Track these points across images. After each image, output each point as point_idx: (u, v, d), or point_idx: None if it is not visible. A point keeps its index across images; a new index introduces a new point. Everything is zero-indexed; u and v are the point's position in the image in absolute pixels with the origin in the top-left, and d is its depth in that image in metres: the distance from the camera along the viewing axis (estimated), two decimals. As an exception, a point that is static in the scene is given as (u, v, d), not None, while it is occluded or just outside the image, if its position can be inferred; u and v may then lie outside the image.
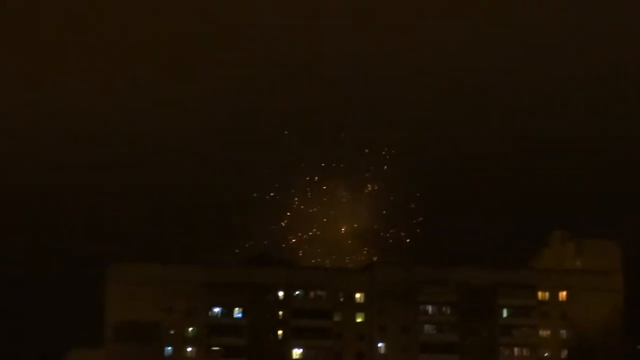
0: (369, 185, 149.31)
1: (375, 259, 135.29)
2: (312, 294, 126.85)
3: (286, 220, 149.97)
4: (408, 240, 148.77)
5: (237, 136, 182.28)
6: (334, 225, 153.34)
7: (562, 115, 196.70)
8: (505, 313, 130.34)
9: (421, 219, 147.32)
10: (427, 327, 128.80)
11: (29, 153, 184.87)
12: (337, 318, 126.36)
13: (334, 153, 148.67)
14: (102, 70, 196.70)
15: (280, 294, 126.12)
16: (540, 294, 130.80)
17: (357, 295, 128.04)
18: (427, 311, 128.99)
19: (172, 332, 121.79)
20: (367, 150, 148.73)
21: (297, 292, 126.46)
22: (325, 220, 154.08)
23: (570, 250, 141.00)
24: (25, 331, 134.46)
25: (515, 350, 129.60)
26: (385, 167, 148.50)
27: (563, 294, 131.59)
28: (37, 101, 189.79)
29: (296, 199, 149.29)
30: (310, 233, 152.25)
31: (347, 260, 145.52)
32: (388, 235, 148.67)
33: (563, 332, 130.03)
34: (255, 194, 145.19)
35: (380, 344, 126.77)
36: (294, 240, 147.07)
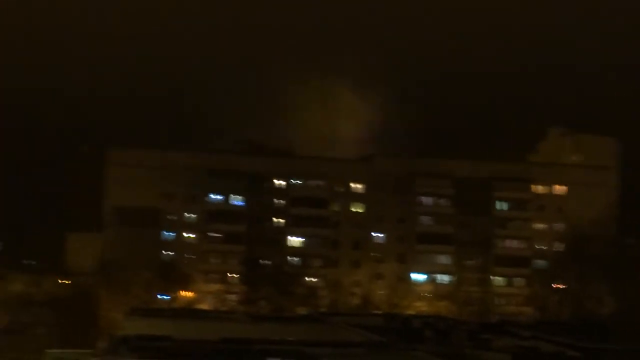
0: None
1: (374, 151, 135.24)
2: (311, 183, 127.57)
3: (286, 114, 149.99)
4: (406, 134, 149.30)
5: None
6: (335, 119, 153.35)
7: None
8: (501, 206, 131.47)
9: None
10: (424, 219, 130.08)
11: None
12: (335, 207, 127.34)
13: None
14: None
15: (280, 182, 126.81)
16: (536, 187, 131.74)
17: (356, 186, 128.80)
18: (424, 203, 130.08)
19: (171, 217, 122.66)
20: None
21: (296, 181, 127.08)
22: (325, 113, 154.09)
23: (568, 146, 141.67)
24: (26, 216, 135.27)
25: (512, 242, 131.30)
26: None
27: (559, 188, 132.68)
28: None
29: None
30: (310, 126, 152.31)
31: (345, 151, 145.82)
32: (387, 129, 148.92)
33: (558, 226, 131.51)
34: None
35: (377, 234, 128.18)
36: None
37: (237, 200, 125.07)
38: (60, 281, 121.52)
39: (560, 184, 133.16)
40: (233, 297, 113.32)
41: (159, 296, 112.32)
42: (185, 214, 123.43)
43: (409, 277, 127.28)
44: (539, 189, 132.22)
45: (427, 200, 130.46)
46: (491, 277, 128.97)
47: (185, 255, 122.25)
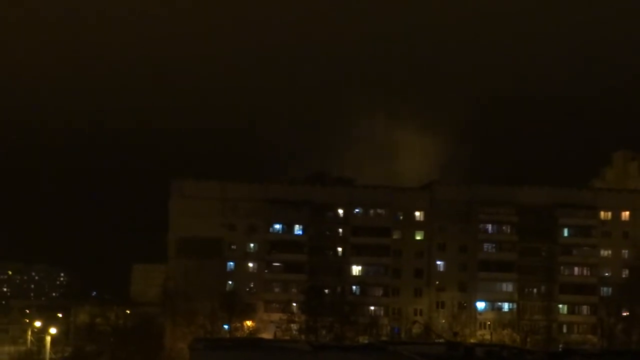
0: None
1: (435, 178, 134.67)
2: (371, 212, 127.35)
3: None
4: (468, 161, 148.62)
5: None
6: (396, 148, 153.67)
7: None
8: (565, 233, 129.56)
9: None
10: (487, 246, 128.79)
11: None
12: (396, 236, 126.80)
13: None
14: None
15: (340, 211, 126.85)
16: (602, 213, 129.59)
17: (417, 214, 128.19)
18: (486, 230, 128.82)
19: (233, 247, 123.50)
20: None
21: (356, 210, 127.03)
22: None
23: (633, 170, 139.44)
24: (92, 248, 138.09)
25: (576, 269, 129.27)
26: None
27: (625, 214, 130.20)
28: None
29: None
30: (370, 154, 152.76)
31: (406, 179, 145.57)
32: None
33: (625, 252, 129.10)
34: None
35: (439, 262, 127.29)
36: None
37: (298, 229, 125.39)
38: (125, 311, 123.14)
39: (626, 209, 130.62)
40: (295, 326, 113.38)
41: (222, 326, 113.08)
42: (247, 244, 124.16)
43: (472, 305, 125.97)
44: (604, 215, 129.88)
45: (489, 227, 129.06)
46: (556, 305, 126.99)
47: (248, 285, 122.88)
